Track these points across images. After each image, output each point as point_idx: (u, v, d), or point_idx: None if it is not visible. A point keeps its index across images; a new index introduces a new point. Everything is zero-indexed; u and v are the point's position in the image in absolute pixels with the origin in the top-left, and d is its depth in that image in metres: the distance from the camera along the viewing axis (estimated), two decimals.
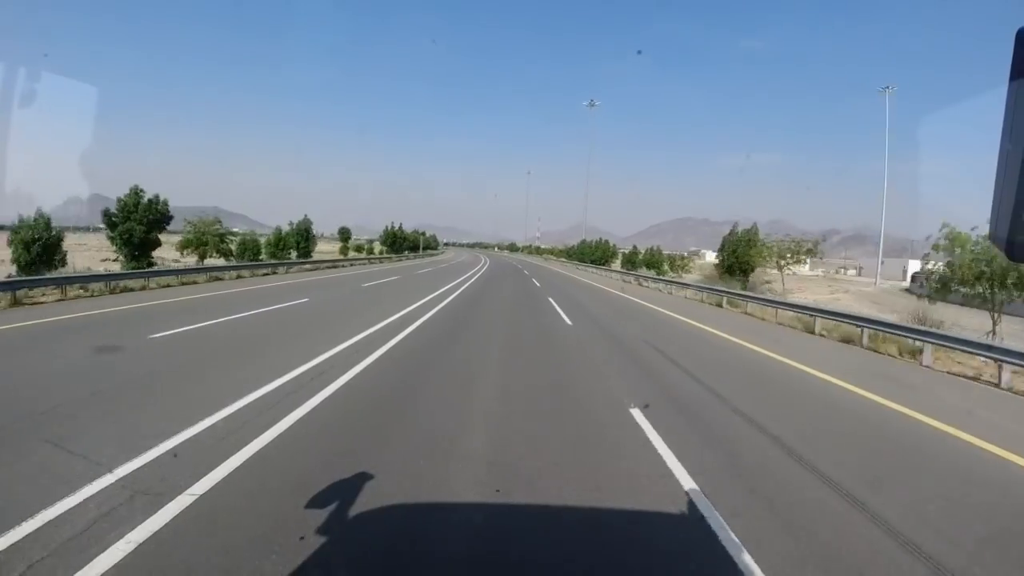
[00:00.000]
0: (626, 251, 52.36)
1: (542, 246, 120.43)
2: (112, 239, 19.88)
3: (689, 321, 13.92)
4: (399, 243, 68.17)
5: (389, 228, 69.53)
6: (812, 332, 12.75)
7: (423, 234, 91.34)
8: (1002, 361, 8.01)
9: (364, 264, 40.38)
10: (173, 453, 3.85)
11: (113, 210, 19.76)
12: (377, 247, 69.16)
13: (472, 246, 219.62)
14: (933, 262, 15.83)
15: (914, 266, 46.07)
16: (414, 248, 75.08)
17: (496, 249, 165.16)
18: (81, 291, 13.49)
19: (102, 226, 20.41)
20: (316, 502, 3.18)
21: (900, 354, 10.31)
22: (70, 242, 19.30)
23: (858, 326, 11.49)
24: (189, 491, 3.28)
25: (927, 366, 9.33)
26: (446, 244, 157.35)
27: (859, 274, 72.43)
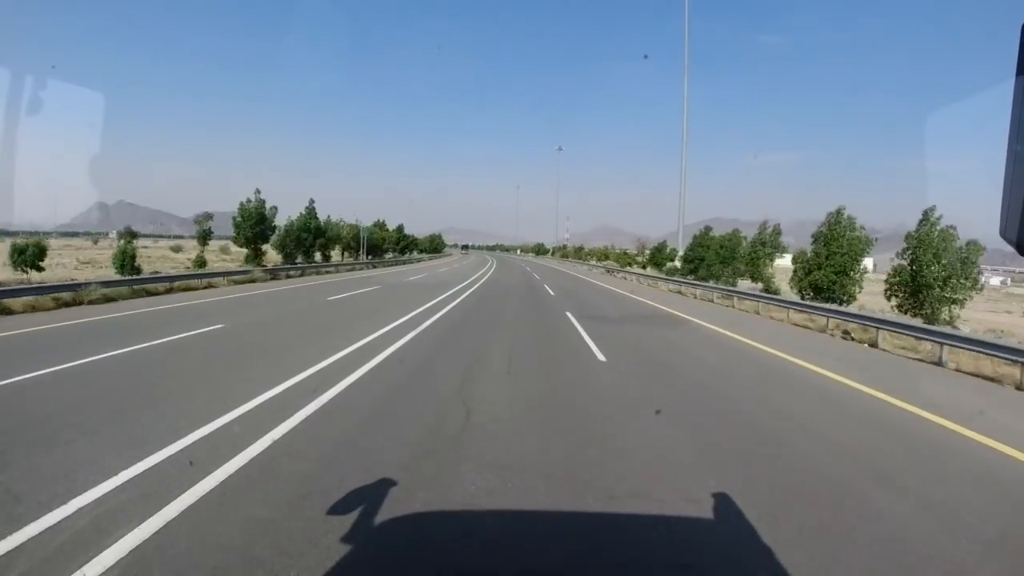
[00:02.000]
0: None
1: (584, 247, 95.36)
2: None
3: None
4: (297, 239, 32.01)
5: (247, 204, 28.03)
6: None
7: (383, 226, 56.57)
8: None
9: None
10: None
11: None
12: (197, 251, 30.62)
13: (492, 248, 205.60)
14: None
15: None
16: (360, 249, 44.70)
17: (519, 252, 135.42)
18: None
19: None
20: None
21: None
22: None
23: None
24: None
25: None
26: (465, 248, 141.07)
27: None
